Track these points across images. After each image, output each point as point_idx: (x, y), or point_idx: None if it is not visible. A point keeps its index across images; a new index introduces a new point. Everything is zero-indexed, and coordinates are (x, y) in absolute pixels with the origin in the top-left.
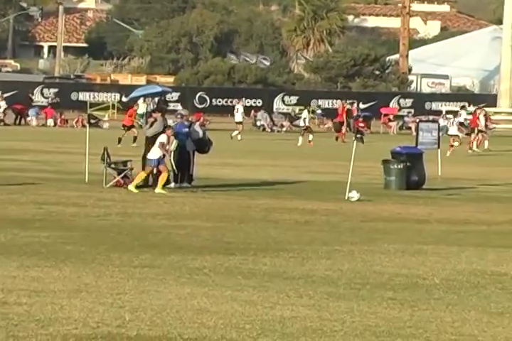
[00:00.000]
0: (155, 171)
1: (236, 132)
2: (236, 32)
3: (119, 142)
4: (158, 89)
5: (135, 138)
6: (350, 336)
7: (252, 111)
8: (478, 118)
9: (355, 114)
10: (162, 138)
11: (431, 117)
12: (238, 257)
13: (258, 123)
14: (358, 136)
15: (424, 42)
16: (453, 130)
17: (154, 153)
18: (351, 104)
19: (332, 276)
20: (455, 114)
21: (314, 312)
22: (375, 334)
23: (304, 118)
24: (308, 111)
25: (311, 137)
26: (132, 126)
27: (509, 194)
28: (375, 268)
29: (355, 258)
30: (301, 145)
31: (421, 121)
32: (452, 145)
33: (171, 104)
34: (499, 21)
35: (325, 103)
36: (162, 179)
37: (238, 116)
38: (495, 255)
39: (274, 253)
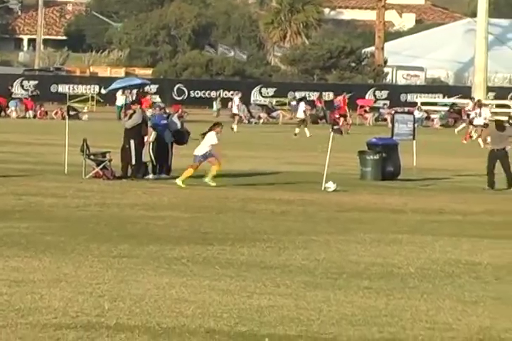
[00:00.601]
0: (134, 162)
1: (234, 127)
2: (214, 25)
3: None
4: (137, 81)
5: None
6: (326, 325)
7: (230, 103)
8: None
9: (336, 104)
10: (211, 136)
11: (406, 109)
12: (216, 247)
13: None
14: (335, 127)
15: (399, 34)
16: (478, 120)
17: (201, 149)
18: (337, 95)
19: (309, 266)
20: (480, 104)
21: (291, 301)
22: (351, 323)
23: (304, 111)
24: (288, 103)
25: (297, 130)
26: None
27: (483, 184)
28: (351, 257)
29: (332, 248)
30: (309, 135)
31: (396, 112)
32: (471, 136)
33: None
34: (473, 14)
35: (301, 95)
36: (212, 171)
37: (234, 108)
38: (469, 244)
39: (251, 243)
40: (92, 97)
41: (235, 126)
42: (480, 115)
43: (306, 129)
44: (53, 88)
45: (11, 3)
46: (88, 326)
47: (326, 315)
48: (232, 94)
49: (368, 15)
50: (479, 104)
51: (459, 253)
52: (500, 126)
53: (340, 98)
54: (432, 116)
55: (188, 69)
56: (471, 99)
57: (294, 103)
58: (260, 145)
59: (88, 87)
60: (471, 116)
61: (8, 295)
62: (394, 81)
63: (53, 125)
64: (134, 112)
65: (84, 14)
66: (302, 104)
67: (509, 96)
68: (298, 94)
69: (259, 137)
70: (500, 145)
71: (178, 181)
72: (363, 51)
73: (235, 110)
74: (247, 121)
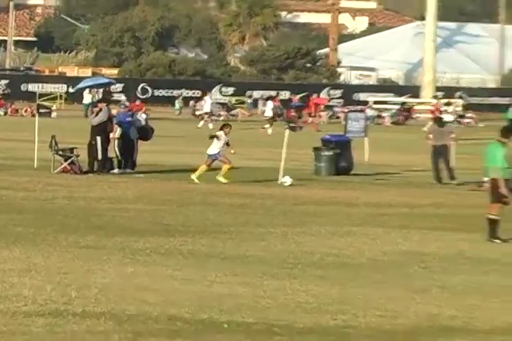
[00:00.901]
0: (100, 157)
1: (210, 125)
2: (176, 27)
3: None
4: (104, 80)
5: None
6: (282, 312)
7: (191, 102)
8: (438, 109)
9: (294, 102)
10: (220, 134)
11: (359, 107)
12: (178, 238)
13: (197, 113)
14: (291, 125)
15: (352, 36)
16: (448, 117)
17: (214, 148)
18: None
19: (266, 256)
20: (448, 103)
21: (249, 290)
22: (306, 311)
23: (272, 108)
24: (242, 102)
25: (267, 126)
26: None
27: (430, 179)
28: (307, 248)
29: (288, 240)
30: (271, 133)
31: (350, 110)
32: None
33: (115, 95)
34: (422, 17)
35: (260, 94)
36: (224, 169)
37: (207, 106)
38: (418, 236)
39: (211, 235)
40: (61, 96)
41: (210, 125)
42: (449, 112)
43: (267, 126)
44: (23, 87)
45: None
46: (56, 313)
47: (282, 303)
48: (193, 93)
49: (323, 19)
50: (448, 103)
51: (408, 245)
52: (439, 122)
53: (297, 97)
54: (383, 114)
55: (152, 69)
56: (435, 97)
57: (250, 101)
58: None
59: (57, 85)
60: (460, 114)
61: None
62: (347, 81)
63: (23, 122)
64: (101, 110)
65: (53, 17)
66: (270, 103)
67: (456, 95)
68: (256, 93)
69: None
70: (441, 141)
71: (222, 180)
72: (317, 52)
73: (207, 109)
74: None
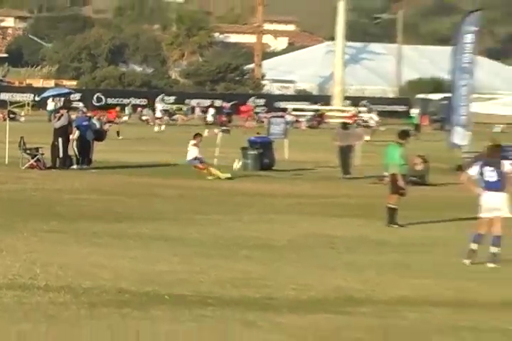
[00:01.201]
0: (61, 155)
1: (163, 127)
2: (126, 45)
3: (118, 135)
4: (64, 90)
5: (118, 133)
6: (214, 286)
7: (139, 108)
8: (355, 115)
9: (225, 109)
10: (192, 142)
11: (279, 113)
12: (126, 224)
13: (143, 118)
14: (224, 128)
15: (274, 54)
16: (372, 123)
17: (190, 155)
18: (228, 101)
19: (201, 239)
20: (369, 110)
21: (186, 267)
22: (235, 285)
23: (212, 115)
24: (181, 109)
25: (217, 130)
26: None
27: (338, 174)
28: (236, 232)
29: (221, 225)
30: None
31: (272, 116)
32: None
33: (74, 103)
34: (333, 38)
35: (196, 102)
36: (215, 171)
37: (158, 113)
38: (329, 222)
39: (155, 221)
40: (28, 103)
41: (162, 127)
42: (372, 119)
43: (206, 130)
44: None
45: None
46: (23, 287)
47: (215, 279)
48: (140, 101)
49: (250, 39)
50: (369, 110)
51: (321, 229)
52: (344, 126)
53: (229, 105)
54: (300, 119)
55: (105, 81)
56: (365, 106)
57: (185, 108)
58: (161, 142)
59: (25, 95)
60: (365, 120)
61: None
62: (270, 91)
63: None
64: (62, 115)
65: (22, 36)
66: (211, 110)
67: (360, 104)
68: (193, 102)
69: (161, 135)
70: (345, 142)
71: (222, 176)
72: (245, 67)
73: (158, 114)
74: (152, 123)
